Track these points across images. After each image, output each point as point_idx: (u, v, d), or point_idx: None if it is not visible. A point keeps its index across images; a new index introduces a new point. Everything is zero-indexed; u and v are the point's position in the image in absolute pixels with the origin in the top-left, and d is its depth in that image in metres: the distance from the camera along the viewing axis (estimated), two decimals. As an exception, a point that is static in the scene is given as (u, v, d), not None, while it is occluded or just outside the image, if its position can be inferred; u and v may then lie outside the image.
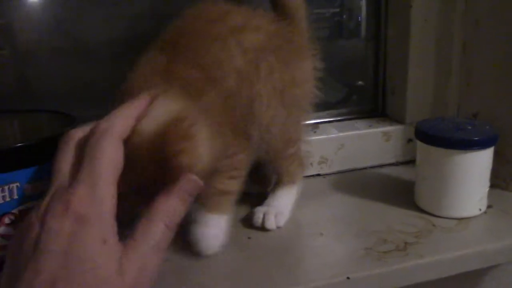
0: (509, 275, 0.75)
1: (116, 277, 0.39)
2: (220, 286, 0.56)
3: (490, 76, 0.78)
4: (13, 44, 0.78)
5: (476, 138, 0.66)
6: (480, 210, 0.69)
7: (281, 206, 0.69)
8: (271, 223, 0.66)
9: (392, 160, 0.89)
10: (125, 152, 0.45)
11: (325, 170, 0.86)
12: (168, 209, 0.45)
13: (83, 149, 0.44)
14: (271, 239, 0.65)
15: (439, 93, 0.88)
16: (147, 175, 0.46)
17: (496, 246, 0.64)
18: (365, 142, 0.87)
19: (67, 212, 0.39)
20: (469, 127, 0.69)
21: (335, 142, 0.86)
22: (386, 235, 0.65)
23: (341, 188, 0.80)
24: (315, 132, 0.86)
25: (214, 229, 0.60)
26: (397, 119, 0.91)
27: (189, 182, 0.46)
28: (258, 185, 0.75)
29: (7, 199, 0.51)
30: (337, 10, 0.95)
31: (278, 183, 0.72)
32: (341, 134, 0.86)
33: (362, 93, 0.98)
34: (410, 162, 0.87)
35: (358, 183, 0.83)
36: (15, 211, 0.52)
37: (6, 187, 0.51)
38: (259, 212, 0.67)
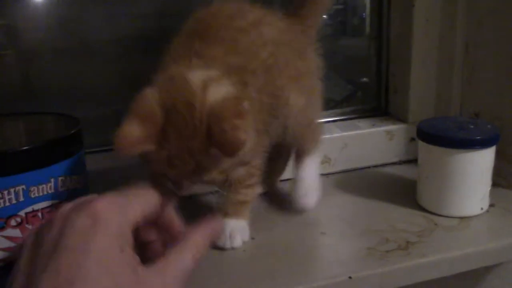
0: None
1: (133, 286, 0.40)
2: (223, 286, 0.57)
3: (492, 75, 0.78)
4: (17, 45, 0.79)
5: (477, 138, 0.66)
6: (482, 209, 0.70)
7: (311, 179, 0.72)
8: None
9: (395, 159, 0.89)
10: (181, 114, 0.50)
11: (329, 169, 0.86)
12: (198, 240, 0.47)
13: None
14: (274, 239, 0.65)
15: (442, 92, 0.88)
16: (194, 142, 0.50)
17: (498, 245, 0.64)
18: (368, 141, 0.88)
19: (90, 214, 0.40)
20: (471, 126, 0.69)
21: (339, 141, 0.86)
22: (388, 234, 0.65)
23: (344, 188, 0.80)
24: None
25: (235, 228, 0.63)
26: (400, 118, 0.91)
27: (218, 223, 0.50)
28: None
29: (13, 201, 0.52)
30: (341, 7, 0.96)
31: (302, 155, 0.74)
32: (344, 133, 0.87)
33: (366, 91, 0.99)
34: (413, 161, 0.87)
35: (361, 182, 0.83)
36: (21, 213, 0.53)
37: (12, 190, 0.52)
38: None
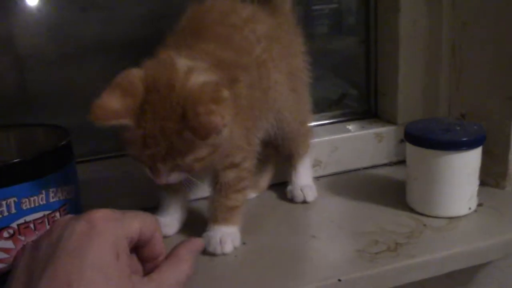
0: (501, 271, 0.76)
1: None
2: (215, 291, 0.57)
3: (478, 77, 0.80)
4: (10, 51, 0.79)
5: (464, 139, 0.67)
6: (470, 208, 0.70)
7: (306, 180, 0.78)
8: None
9: (385, 161, 0.91)
10: (160, 94, 0.51)
11: (320, 172, 0.87)
12: (186, 255, 0.48)
13: None
14: (265, 244, 0.66)
15: (430, 94, 0.89)
16: (169, 122, 0.51)
17: (487, 244, 0.65)
18: (358, 144, 0.89)
19: (89, 220, 0.41)
20: (457, 128, 0.70)
21: (329, 144, 0.87)
22: (377, 236, 0.66)
23: (335, 190, 0.81)
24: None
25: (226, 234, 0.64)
26: (389, 120, 0.92)
27: (199, 242, 0.51)
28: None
29: (5, 213, 0.53)
30: (329, 11, 0.97)
31: (295, 156, 0.77)
32: (334, 136, 0.88)
33: (355, 94, 0.99)
34: (402, 162, 0.87)
35: (352, 184, 0.84)
36: (13, 225, 0.54)
37: (4, 202, 0.53)
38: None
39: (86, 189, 0.65)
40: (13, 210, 0.53)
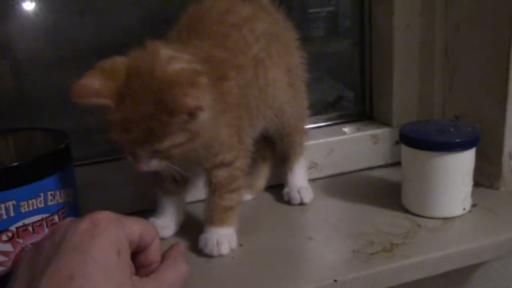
0: (496, 271, 0.77)
1: None
2: (212, 292, 0.58)
3: (471, 79, 0.80)
4: (8, 55, 0.80)
5: (457, 140, 0.68)
6: (464, 209, 0.71)
7: (303, 181, 0.79)
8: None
9: (381, 162, 0.91)
10: (141, 79, 0.52)
11: (316, 175, 0.88)
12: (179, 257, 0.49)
13: None
14: (262, 246, 0.66)
15: (424, 96, 0.90)
16: (148, 106, 0.51)
17: (481, 244, 0.66)
18: (353, 146, 0.89)
19: (91, 220, 0.43)
20: (451, 129, 0.71)
21: (325, 147, 0.88)
22: (373, 237, 0.67)
23: (331, 192, 0.82)
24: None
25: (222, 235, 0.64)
26: (384, 122, 0.93)
27: (181, 246, 0.51)
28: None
29: (4, 217, 0.53)
30: (324, 14, 0.98)
31: (292, 157, 0.78)
32: (330, 138, 0.88)
33: (351, 96, 1.00)
34: (398, 163, 0.88)
35: (348, 186, 0.85)
36: (12, 228, 0.54)
37: (2, 205, 0.53)
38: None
39: (84, 193, 0.65)
40: (12, 213, 0.54)
